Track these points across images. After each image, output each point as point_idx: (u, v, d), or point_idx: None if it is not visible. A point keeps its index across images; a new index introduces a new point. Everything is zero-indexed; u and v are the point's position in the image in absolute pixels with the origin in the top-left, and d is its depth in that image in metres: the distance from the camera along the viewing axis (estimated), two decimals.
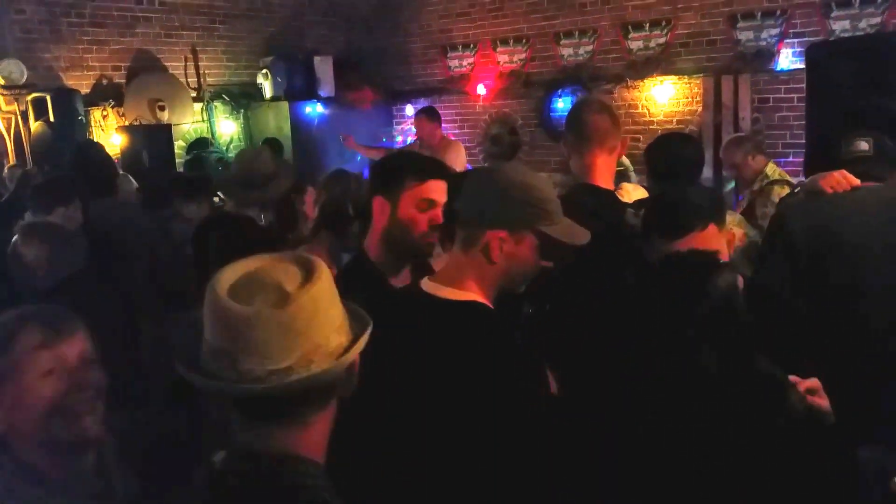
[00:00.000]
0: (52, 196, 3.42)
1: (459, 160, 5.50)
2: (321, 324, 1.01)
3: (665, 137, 3.01)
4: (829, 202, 2.28)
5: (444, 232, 1.89)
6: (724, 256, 1.86)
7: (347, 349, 1.04)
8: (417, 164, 1.93)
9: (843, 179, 2.27)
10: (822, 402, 1.55)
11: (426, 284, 1.55)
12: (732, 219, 2.57)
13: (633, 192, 2.42)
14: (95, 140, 6.06)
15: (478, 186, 1.54)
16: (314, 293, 1.01)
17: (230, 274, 1.03)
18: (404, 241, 1.86)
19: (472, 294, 1.50)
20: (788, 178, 4.39)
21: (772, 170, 4.44)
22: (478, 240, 1.49)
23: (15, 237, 2.61)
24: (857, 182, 2.26)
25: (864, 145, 2.31)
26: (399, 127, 8.39)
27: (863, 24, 5.67)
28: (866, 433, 2.00)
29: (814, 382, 1.56)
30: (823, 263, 2.28)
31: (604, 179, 2.22)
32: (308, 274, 1.03)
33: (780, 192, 4.05)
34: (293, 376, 0.98)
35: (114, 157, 5.31)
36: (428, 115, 5.81)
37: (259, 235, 2.95)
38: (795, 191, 2.90)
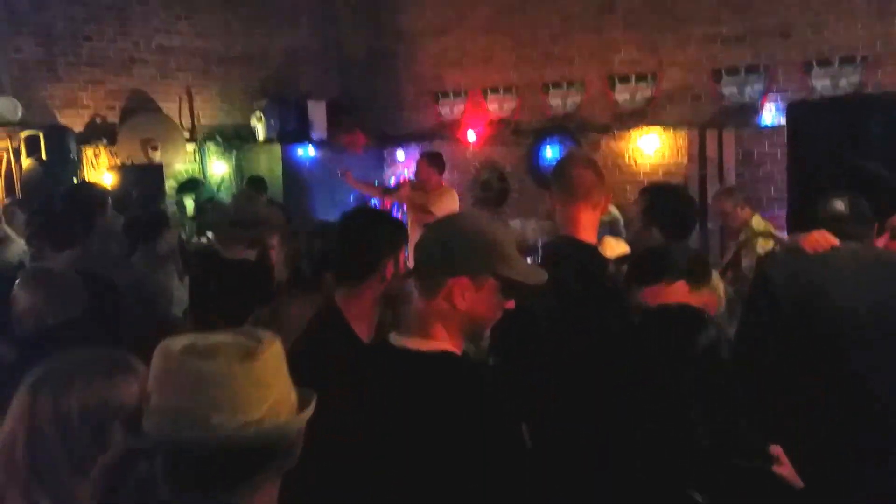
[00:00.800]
0: (64, 237, 3.38)
1: (452, 208, 5.42)
2: (284, 378, 1.06)
3: (667, 192, 3.03)
4: (811, 262, 2.32)
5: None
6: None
7: (303, 408, 1.06)
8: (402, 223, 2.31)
9: (822, 239, 2.31)
10: (783, 469, 1.55)
11: (394, 338, 1.57)
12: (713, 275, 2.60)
13: (615, 247, 2.45)
14: (90, 181, 6.05)
15: (435, 236, 1.57)
16: (274, 350, 1.05)
17: (178, 341, 1.03)
18: (398, 292, 2.11)
19: (442, 343, 1.51)
20: (773, 230, 4.46)
21: (756, 222, 4.53)
22: (440, 288, 1.50)
23: (17, 282, 2.60)
24: (836, 242, 2.30)
25: (840, 205, 2.36)
26: (389, 171, 8.47)
27: (843, 82, 5.84)
28: (850, 491, 2.00)
29: (775, 450, 1.57)
30: (807, 323, 2.30)
31: (587, 233, 2.24)
32: (260, 337, 1.06)
33: (765, 244, 4.14)
34: (265, 426, 0.99)
35: None
36: (429, 159, 5.73)
37: (254, 276, 2.99)
38: (775, 250, 2.94)
